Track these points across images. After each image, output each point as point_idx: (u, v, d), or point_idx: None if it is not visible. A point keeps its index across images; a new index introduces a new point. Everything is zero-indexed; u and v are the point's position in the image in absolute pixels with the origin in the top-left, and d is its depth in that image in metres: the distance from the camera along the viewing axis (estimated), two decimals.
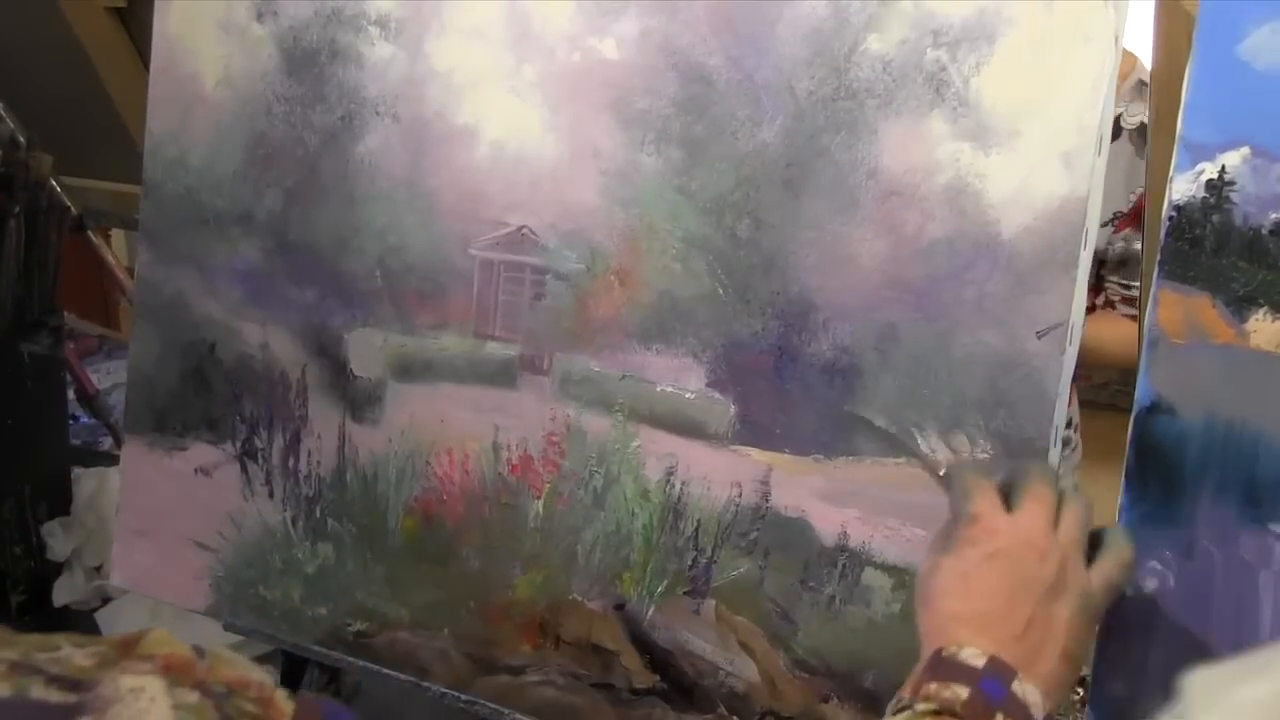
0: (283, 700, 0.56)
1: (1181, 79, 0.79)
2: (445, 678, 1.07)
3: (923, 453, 0.85)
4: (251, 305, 1.14)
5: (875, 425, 0.88)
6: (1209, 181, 0.78)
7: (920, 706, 0.65)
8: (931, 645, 0.69)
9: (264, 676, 0.57)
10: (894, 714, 0.67)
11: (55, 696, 0.50)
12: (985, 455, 0.85)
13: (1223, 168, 0.77)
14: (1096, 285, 1.55)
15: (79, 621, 1.46)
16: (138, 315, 1.21)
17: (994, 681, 0.65)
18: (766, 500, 0.93)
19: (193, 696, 0.52)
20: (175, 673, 0.53)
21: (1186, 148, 0.78)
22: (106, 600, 1.51)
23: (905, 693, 0.68)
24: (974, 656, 0.67)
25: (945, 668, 0.67)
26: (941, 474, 0.80)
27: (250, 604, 1.17)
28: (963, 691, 0.65)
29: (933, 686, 0.66)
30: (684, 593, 0.97)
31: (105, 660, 0.53)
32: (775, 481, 0.93)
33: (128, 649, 0.54)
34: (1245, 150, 0.77)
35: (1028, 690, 0.66)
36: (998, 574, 0.70)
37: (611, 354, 0.98)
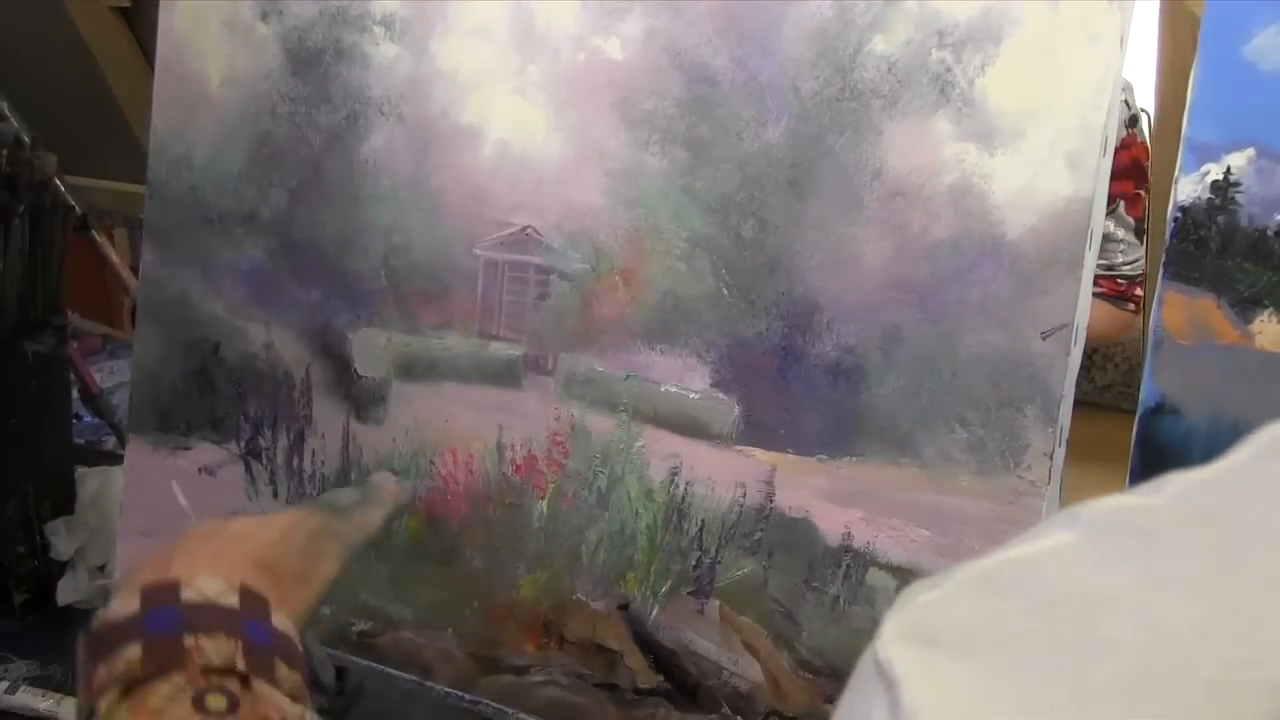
0: None
1: (1187, 80, 0.79)
2: (449, 677, 1.07)
3: None
4: (256, 305, 1.14)
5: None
6: (1214, 183, 0.78)
7: None
8: None
9: None
10: None
11: None
12: (989, 455, 0.85)
13: (1228, 169, 0.77)
14: None
15: (83, 621, 1.46)
16: (141, 314, 1.21)
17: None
18: (771, 500, 0.93)
19: None
20: None
21: (1192, 149, 0.78)
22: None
23: None
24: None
25: None
26: None
27: None
28: None
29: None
30: (688, 593, 0.97)
31: None
32: (779, 482, 0.93)
33: None
34: (1250, 151, 0.77)
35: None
36: None
37: (616, 354, 0.98)
